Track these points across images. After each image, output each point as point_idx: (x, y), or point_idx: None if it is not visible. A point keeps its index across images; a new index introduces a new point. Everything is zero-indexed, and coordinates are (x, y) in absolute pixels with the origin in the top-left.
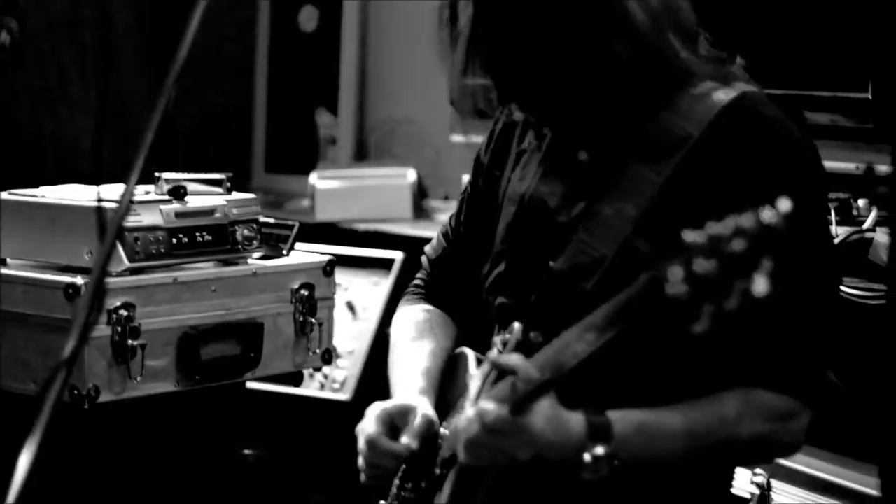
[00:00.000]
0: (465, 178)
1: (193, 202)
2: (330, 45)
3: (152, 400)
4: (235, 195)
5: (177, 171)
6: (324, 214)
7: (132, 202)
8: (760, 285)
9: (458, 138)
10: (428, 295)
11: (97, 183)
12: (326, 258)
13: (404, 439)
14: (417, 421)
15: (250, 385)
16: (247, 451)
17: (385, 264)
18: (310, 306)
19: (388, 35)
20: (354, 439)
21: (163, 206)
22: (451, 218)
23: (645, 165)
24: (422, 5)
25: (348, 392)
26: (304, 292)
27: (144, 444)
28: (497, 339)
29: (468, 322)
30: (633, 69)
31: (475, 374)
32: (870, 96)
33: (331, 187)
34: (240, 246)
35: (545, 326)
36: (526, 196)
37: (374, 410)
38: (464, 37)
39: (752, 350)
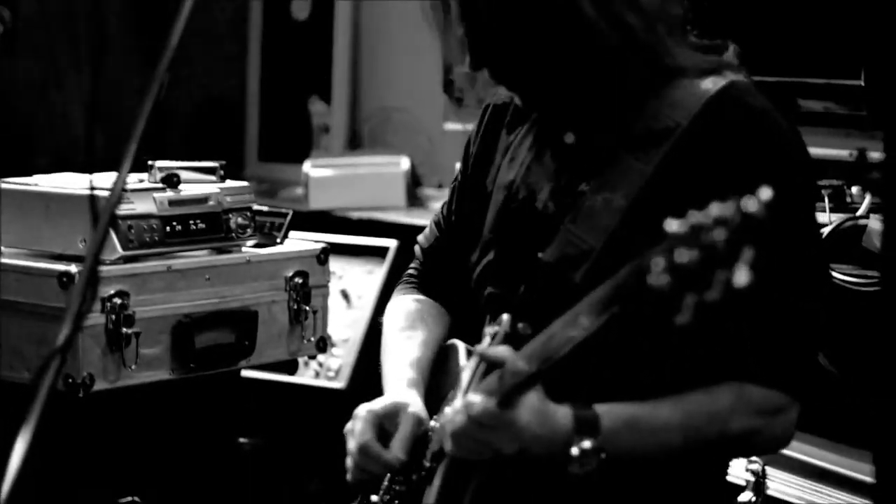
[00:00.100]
0: (458, 166)
1: (187, 190)
2: (323, 34)
3: (147, 388)
4: (229, 183)
5: (170, 159)
6: (317, 203)
7: (125, 190)
8: (742, 276)
9: (451, 126)
10: (420, 285)
11: (90, 171)
12: (320, 246)
13: (395, 449)
14: (406, 425)
15: (245, 373)
16: (242, 440)
17: (379, 252)
18: (304, 294)
19: (380, 23)
20: None
21: (156, 195)
22: (442, 207)
23: (633, 155)
24: None
25: (343, 380)
26: (299, 280)
27: (139, 432)
28: (487, 330)
29: (461, 311)
30: (623, 56)
31: (466, 366)
32: (863, 83)
33: (324, 175)
34: (233, 234)
35: (534, 318)
36: (514, 184)
37: (363, 413)
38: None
39: (738, 343)
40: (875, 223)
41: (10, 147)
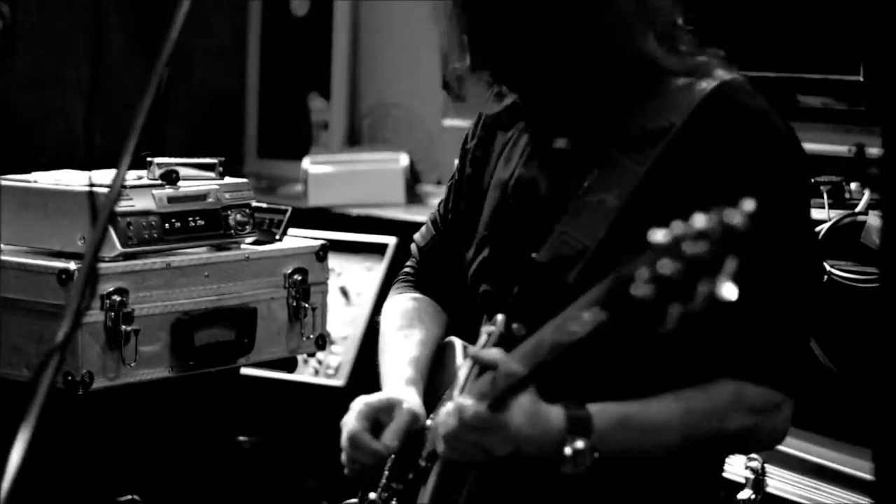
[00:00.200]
0: (456, 163)
1: (186, 187)
2: (322, 30)
3: (146, 386)
4: (228, 180)
5: (169, 155)
6: (316, 199)
7: (124, 187)
8: (725, 288)
9: (450, 123)
10: (417, 283)
11: (89, 168)
12: (319, 243)
13: (386, 438)
14: (400, 418)
15: (244, 371)
16: (241, 438)
17: (378, 249)
18: (303, 291)
19: (380, 19)
20: None
21: (155, 191)
22: (439, 205)
23: (627, 155)
24: None
25: (342, 378)
26: (298, 277)
27: (138, 430)
28: (484, 329)
29: (458, 309)
30: (619, 56)
31: (462, 365)
32: (861, 78)
33: (323, 172)
34: (233, 231)
35: (528, 318)
36: (510, 182)
37: (358, 405)
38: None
39: (731, 342)
40: (874, 219)
41: (8, 144)
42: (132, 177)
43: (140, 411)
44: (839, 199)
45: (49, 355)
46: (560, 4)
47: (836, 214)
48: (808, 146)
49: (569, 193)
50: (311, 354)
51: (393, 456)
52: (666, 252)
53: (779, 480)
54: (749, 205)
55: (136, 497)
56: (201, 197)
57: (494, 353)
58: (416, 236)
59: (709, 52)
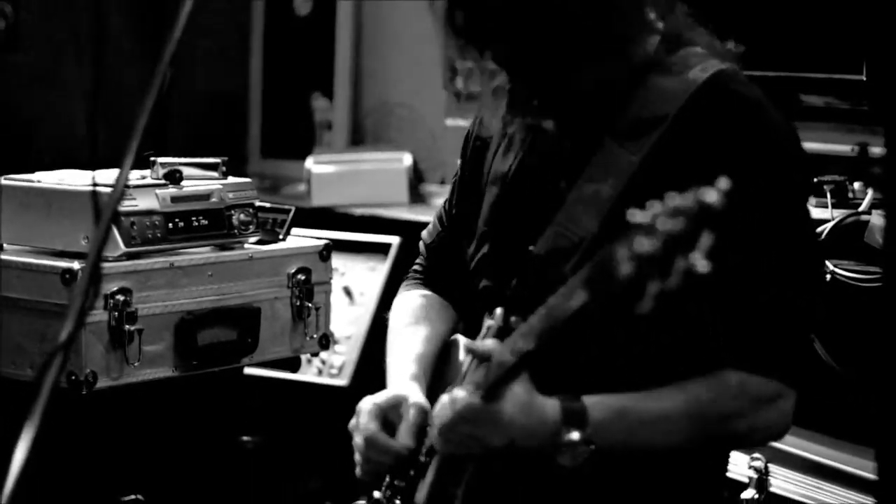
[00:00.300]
0: (460, 160)
1: (189, 186)
2: (325, 29)
3: (149, 385)
4: (231, 179)
5: (172, 155)
6: (320, 199)
7: (128, 187)
8: (700, 263)
9: (453, 122)
10: (426, 280)
11: (93, 167)
12: (323, 243)
13: (402, 437)
14: (412, 414)
15: (248, 371)
16: (245, 437)
17: (382, 249)
18: (307, 291)
19: (383, 18)
20: None
21: (159, 191)
22: (444, 202)
23: (622, 145)
24: None
25: (346, 377)
26: (301, 277)
27: (142, 429)
28: (485, 324)
29: (466, 305)
30: (616, 45)
31: (464, 360)
32: (864, 78)
33: (327, 172)
34: (236, 230)
35: (526, 311)
36: (508, 177)
37: (367, 406)
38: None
39: (727, 333)
40: (877, 219)
41: (11, 143)
42: (135, 176)
43: (143, 411)
44: (842, 199)
45: (52, 355)
46: None
47: (839, 214)
48: (811, 145)
49: (565, 185)
50: (315, 354)
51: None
52: (643, 230)
53: (782, 480)
54: (724, 183)
55: (139, 497)
56: (205, 197)
57: (489, 344)
58: (424, 234)
59: (705, 38)
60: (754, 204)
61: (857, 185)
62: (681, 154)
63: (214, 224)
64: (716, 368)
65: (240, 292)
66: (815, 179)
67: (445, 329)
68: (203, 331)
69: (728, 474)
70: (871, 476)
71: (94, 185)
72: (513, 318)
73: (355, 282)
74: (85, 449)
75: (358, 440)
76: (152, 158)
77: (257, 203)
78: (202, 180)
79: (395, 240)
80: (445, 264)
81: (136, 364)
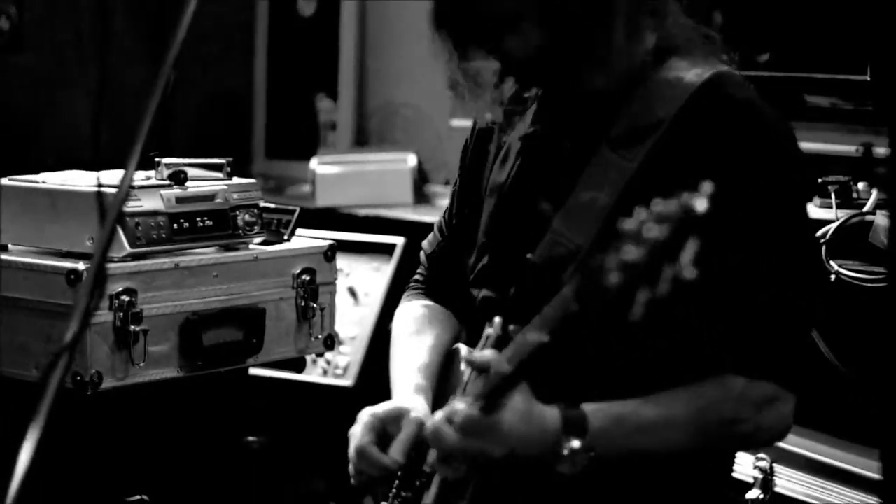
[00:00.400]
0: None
1: (194, 187)
2: (329, 30)
3: (154, 386)
4: (236, 180)
5: (177, 156)
6: (324, 200)
7: (132, 187)
8: (687, 269)
9: (458, 123)
10: (427, 290)
11: (96, 168)
12: (328, 243)
13: (393, 452)
14: (407, 429)
15: (253, 371)
16: (250, 438)
17: (386, 249)
18: (311, 291)
19: (387, 19)
20: None
21: (163, 192)
22: (444, 212)
23: (617, 153)
24: None
25: (351, 378)
26: (306, 277)
27: (147, 430)
28: (485, 334)
29: (468, 315)
30: (609, 43)
31: (465, 371)
32: (868, 78)
33: (331, 172)
34: (241, 231)
35: (525, 320)
36: (505, 186)
37: (365, 417)
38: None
39: (723, 337)
40: (881, 219)
41: (16, 144)
42: (140, 177)
43: (149, 411)
44: (847, 199)
45: (58, 355)
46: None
47: (843, 214)
48: (816, 146)
49: (562, 193)
50: (320, 354)
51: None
52: (630, 238)
53: (787, 480)
54: (708, 187)
55: (144, 497)
56: (209, 197)
57: (486, 355)
58: (424, 243)
59: (702, 40)
60: (751, 205)
61: (861, 185)
62: (677, 159)
63: (219, 225)
64: (714, 371)
65: (245, 293)
66: (820, 180)
67: (448, 338)
68: (208, 331)
69: (733, 474)
70: (876, 476)
71: (99, 185)
72: (511, 327)
73: (360, 282)
74: (90, 449)
75: (350, 450)
76: (157, 159)
77: (262, 204)
78: (207, 181)
79: (399, 240)
80: (446, 274)
81: (141, 364)
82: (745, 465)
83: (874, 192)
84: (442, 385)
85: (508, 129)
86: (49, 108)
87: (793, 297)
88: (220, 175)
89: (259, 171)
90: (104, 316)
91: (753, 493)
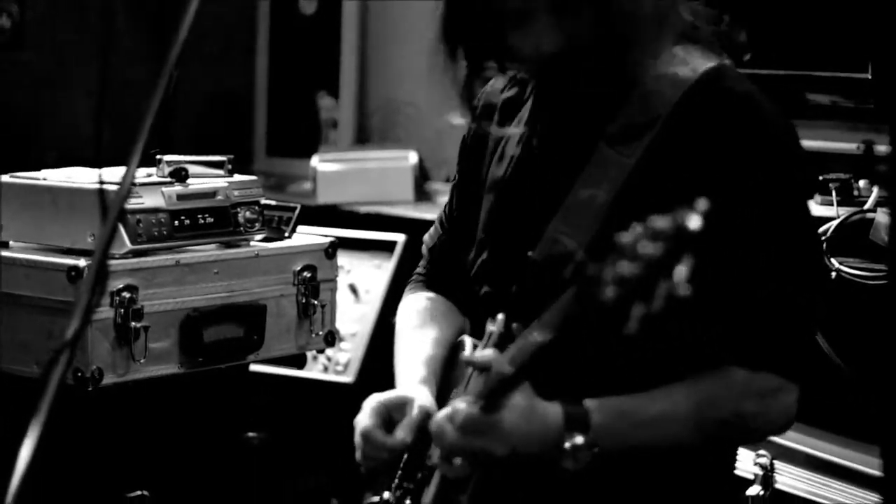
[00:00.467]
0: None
1: (195, 184)
2: (330, 28)
3: (155, 382)
4: (237, 177)
5: (178, 153)
6: (325, 197)
7: (134, 184)
8: (682, 287)
9: (459, 120)
10: (429, 283)
11: (98, 165)
12: (328, 240)
13: (398, 433)
14: (413, 413)
15: (254, 368)
16: (250, 434)
17: (387, 247)
18: (312, 288)
19: (388, 17)
20: None
21: (164, 189)
22: (445, 206)
23: (615, 149)
24: None
25: (351, 374)
26: (307, 274)
27: (148, 426)
28: (487, 329)
29: (470, 307)
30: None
31: (467, 367)
32: (870, 76)
33: (332, 170)
34: (242, 228)
35: (527, 317)
36: (504, 183)
37: (371, 402)
38: None
39: (725, 329)
40: (882, 216)
41: (17, 142)
42: (141, 174)
43: (149, 408)
44: (848, 197)
45: (59, 352)
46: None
47: (844, 212)
48: (817, 143)
49: (561, 190)
50: (321, 351)
51: (406, 455)
52: (625, 253)
53: (788, 477)
54: (703, 204)
55: (145, 493)
56: (210, 194)
57: (488, 355)
58: (426, 237)
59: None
60: (751, 201)
61: (862, 182)
62: (676, 155)
63: (220, 222)
64: (716, 365)
65: (246, 289)
66: (821, 177)
67: (452, 331)
68: (209, 328)
69: (734, 471)
70: (876, 473)
71: (101, 182)
72: (514, 325)
73: (361, 279)
74: (91, 445)
75: (356, 435)
76: (158, 156)
77: (263, 201)
78: (208, 178)
79: (400, 237)
80: (448, 267)
81: (142, 361)
82: (746, 462)
83: (875, 190)
84: (446, 378)
85: (507, 123)
86: (50, 107)
87: (794, 290)
88: (221, 172)
89: (260, 168)
90: (105, 312)
91: (754, 490)
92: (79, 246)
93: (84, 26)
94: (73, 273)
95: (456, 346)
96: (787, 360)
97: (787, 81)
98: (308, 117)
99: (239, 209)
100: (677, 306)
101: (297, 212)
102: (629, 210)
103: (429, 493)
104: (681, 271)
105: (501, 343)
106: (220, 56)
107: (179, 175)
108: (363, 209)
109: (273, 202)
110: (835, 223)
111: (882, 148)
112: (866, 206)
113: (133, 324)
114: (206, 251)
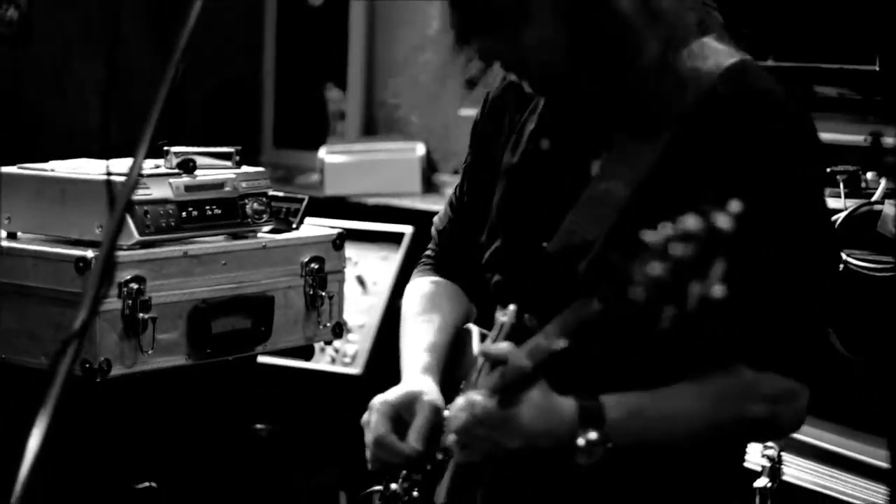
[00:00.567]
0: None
1: (203, 176)
2: (338, 20)
3: (163, 374)
4: (245, 169)
5: (186, 144)
6: (333, 189)
7: (141, 176)
8: (716, 289)
9: (466, 112)
10: (437, 266)
11: (106, 157)
12: (336, 232)
13: (411, 440)
14: (422, 414)
15: (261, 359)
16: (258, 426)
17: (395, 238)
18: (320, 280)
19: (395, 8)
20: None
21: (172, 180)
22: (455, 188)
23: (635, 143)
24: None
25: (359, 366)
26: (315, 266)
27: (155, 418)
28: (497, 318)
29: (479, 292)
30: (626, 32)
31: (477, 357)
32: (877, 69)
33: (340, 162)
34: (249, 219)
35: (540, 309)
36: (518, 169)
37: (379, 406)
38: None
39: (742, 332)
40: (890, 208)
41: (25, 133)
42: (149, 165)
43: (157, 399)
44: (855, 189)
45: (67, 343)
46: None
47: (852, 204)
48: (825, 136)
49: (578, 181)
50: (328, 343)
51: None
52: (656, 254)
53: (795, 468)
54: (735, 206)
55: (152, 484)
56: (218, 186)
57: (504, 348)
58: (435, 220)
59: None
60: (776, 201)
61: (870, 174)
62: (697, 152)
63: (228, 213)
64: (730, 364)
65: (253, 281)
66: (829, 169)
67: (458, 316)
68: (217, 319)
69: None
70: (884, 465)
71: (109, 173)
72: (526, 316)
73: (368, 271)
74: (98, 437)
75: (368, 439)
76: (166, 148)
77: (271, 192)
78: (216, 169)
79: (408, 229)
80: (457, 250)
81: (149, 352)
82: (754, 454)
83: (883, 182)
84: (452, 365)
85: (521, 108)
86: (58, 99)
87: (811, 291)
88: (228, 164)
89: (268, 160)
90: (113, 304)
91: (761, 482)
92: (87, 237)
93: (91, 18)
94: (80, 264)
95: (463, 333)
96: (800, 364)
97: (795, 74)
98: (316, 109)
99: (247, 200)
100: (709, 308)
101: (304, 203)
102: (649, 205)
103: (443, 486)
104: (715, 273)
105: (513, 335)
106: (228, 48)
107: (187, 166)
108: (371, 201)
109: (281, 194)
110: (842, 215)
111: (890, 140)
112: (874, 198)
113: (141, 315)
114: (213, 242)
